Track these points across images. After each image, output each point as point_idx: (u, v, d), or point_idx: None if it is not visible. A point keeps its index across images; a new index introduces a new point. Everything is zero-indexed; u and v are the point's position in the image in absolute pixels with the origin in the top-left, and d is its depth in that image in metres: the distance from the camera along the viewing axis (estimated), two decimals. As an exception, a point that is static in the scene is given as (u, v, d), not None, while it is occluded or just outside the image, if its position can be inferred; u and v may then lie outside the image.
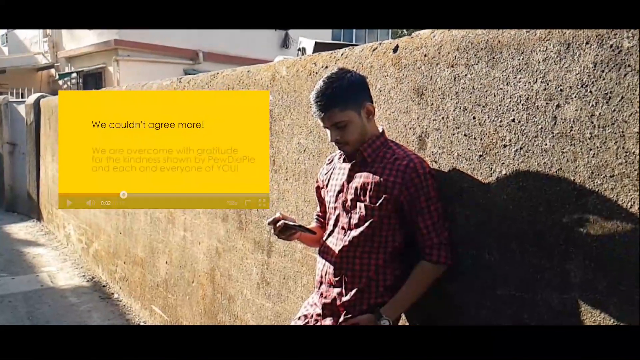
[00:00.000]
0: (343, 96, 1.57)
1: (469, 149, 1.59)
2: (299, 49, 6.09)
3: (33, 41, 14.24)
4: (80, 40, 12.16)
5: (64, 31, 12.90)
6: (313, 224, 1.93)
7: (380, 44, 1.93)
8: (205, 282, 3.21)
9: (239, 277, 2.84)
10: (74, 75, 12.36)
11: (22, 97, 9.70)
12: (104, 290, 4.95)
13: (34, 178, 8.00)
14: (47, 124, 7.35)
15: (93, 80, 11.77)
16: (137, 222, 4.25)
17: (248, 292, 2.76)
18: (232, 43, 11.73)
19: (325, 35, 13.38)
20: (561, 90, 1.35)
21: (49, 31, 13.28)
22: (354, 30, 16.77)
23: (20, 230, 7.64)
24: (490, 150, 1.53)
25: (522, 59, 1.44)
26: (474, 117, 1.56)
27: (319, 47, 5.03)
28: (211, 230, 3.12)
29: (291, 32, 13.03)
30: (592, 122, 1.29)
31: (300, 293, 2.37)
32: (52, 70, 13.48)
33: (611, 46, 1.24)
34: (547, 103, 1.39)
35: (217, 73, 3.02)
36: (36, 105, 7.87)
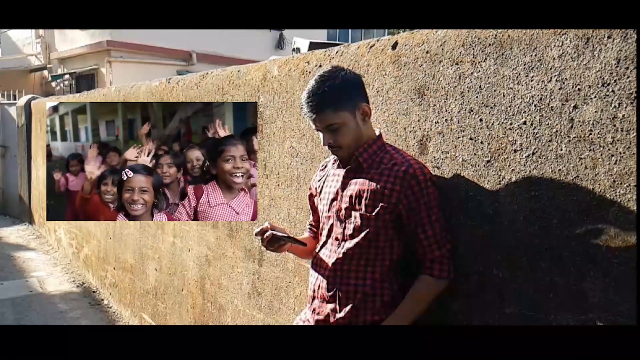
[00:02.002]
0: (336, 96, 1.44)
1: (475, 154, 1.45)
2: (294, 49, 5.96)
3: (25, 42, 14.04)
4: (72, 42, 11.98)
5: (56, 32, 12.72)
6: (306, 234, 1.79)
7: (377, 40, 1.80)
8: (195, 290, 3.07)
9: (230, 286, 2.70)
10: (67, 76, 12.18)
11: (15, 99, 9.54)
12: (94, 296, 4.80)
13: (26, 181, 7.85)
14: (38, 126, 7.20)
15: (86, 81, 11.59)
16: (126, 227, 4.10)
17: (239, 302, 2.63)
18: (226, 44, 11.57)
19: (320, 35, 13.25)
20: (579, 89, 1.22)
21: (41, 32, 13.10)
22: (350, 31, 16.63)
23: (11, 233, 7.49)
24: (498, 155, 1.39)
25: (535, 55, 1.31)
26: (481, 120, 1.43)
27: (314, 47, 4.90)
28: (201, 237, 2.98)
29: (286, 32, 12.89)
30: (615, 125, 1.16)
31: (292, 305, 2.23)
32: (45, 72, 13.30)
33: (637, 40, 1.11)
34: (562, 104, 1.25)
35: (207, 73, 2.88)
36: (27, 107, 7.72)
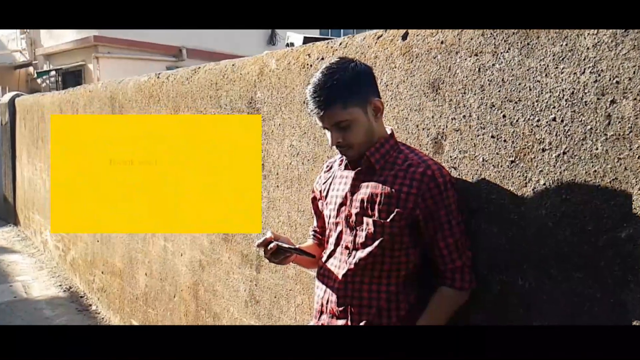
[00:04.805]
0: (346, 90, 1.30)
1: (497, 154, 1.33)
2: (287, 44, 5.82)
3: (10, 38, 13.72)
4: (58, 38, 11.71)
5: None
6: (309, 241, 1.65)
7: (385, 30, 1.67)
8: (187, 297, 2.93)
9: (225, 293, 2.56)
10: (53, 73, 11.91)
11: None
12: (82, 301, 4.63)
13: (10, 181, 7.62)
14: (23, 124, 6.98)
15: (73, 78, 11.33)
16: (114, 229, 3.94)
17: (235, 311, 2.49)
18: (216, 40, 11.36)
19: (312, 31, 13.07)
20: (617, 82, 1.10)
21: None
22: (342, 30, 16.46)
23: (-5, 235, 7.27)
24: (524, 155, 1.27)
25: (566, 44, 1.18)
26: (504, 116, 1.31)
27: (308, 42, 4.76)
28: (194, 241, 2.83)
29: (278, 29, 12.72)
30: (661, 122, 1.04)
31: (293, 314, 2.10)
32: (30, 69, 13.02)
33: None
34: (598, 98, 1.13)
35: (199, 67, 2.73)
36: (11, 104, 7.49)
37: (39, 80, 12.51)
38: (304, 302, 2.03)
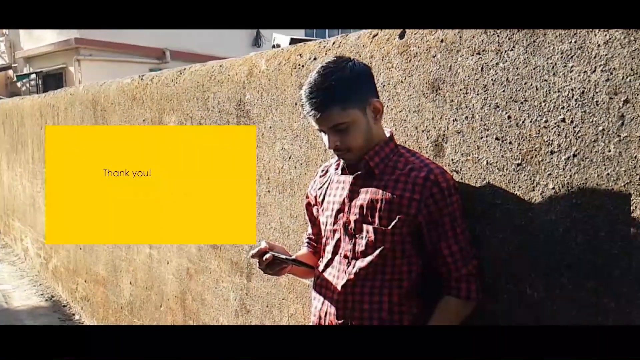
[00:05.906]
0: (345, 91, 1.23)
1: (502, 157, 1.27)
2: (274, 46, 5.75)
3: (-11, 41, 13.45)
4: (39, 40, 11.48)
5: (21, 30, 12.21)
6: (304, 249, 1.58)
7: (381, 30, 1.60)
8: (174, 306, 2.83)
9: (214, 302, 2.47)
10: (33, 76, 11.69)
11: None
12: (64, 311, 4.49)
13: (-11, 187, 7.41)
14: (2, 129, 6.79)
15: (54, 81, 11.12)
16: (98, 236, 3.81)
17: (225, 321, 2.40)
18: (200, 41, 11.23)
19: (298, 32, 13.00)
20: (631, 81, 1.05)
21: (5, 30, 12.56)
22: (327, 30, 16.42)
23: (-27, 243, 7.06)
24: (531, 158, 1.21)
25: (575, 42, 1.13)
26: (509, 117, 1.25)
27: (295, 43, 4.69)
28: (180, 248, 2.74)
29: (263, 29, 12.62)
30: (679, 122, 0.99)
31: (286, 324, 2.02)
32: (10, 72, 12.75)
33: None
34: (610, 98, 1.08)
35: (184, 69, 2.63)
36: (-11, 108, 7.29)
37: (18, 84, 12.26)
38: (298, 311, 1.95)
